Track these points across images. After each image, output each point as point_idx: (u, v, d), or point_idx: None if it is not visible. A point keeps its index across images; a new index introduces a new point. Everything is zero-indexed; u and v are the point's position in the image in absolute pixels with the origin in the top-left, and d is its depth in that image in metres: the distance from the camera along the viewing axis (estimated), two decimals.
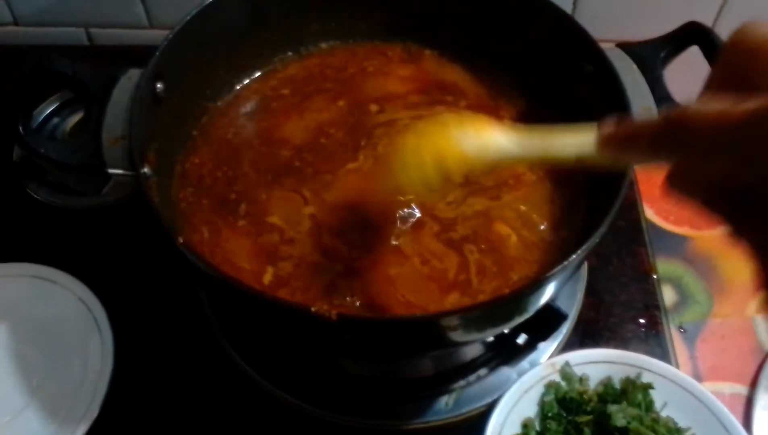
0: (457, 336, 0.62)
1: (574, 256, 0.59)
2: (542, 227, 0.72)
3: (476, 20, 0.84)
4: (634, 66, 0.73)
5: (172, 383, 0.78)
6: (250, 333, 0.78)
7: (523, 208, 0.73)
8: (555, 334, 0.79)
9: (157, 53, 0.72)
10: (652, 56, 0.73)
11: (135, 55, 1.05)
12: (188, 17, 0.75)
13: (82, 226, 0.89)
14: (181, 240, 0.60)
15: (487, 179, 0.75)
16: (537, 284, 0.58)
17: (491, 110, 0.82)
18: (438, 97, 0.83)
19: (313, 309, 0.55)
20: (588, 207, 0.72)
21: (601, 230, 0.60)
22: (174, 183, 0.76)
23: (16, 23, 1.11)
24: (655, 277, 0.88)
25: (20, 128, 0.66)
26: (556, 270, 0.58)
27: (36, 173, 0.92)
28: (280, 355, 0.78)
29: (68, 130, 0.95)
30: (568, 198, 0.74)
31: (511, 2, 0.81)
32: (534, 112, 0.81)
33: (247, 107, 0.84)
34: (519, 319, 0.63)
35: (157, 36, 1.09)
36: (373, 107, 0.82)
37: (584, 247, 0.59)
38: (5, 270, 0.83)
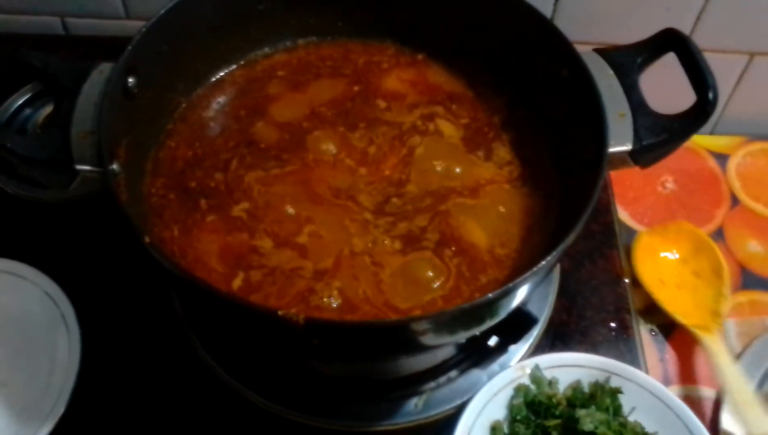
0: (428, 340, 0.61)
1: (544, 262, 0.59)
2: (514, 231, 0.72)
3: (457, 22, 0.83)
4: (611, 71, 0.73)
5: (140, 381, 0.77)
6: (219, 332, 0.77)
7: (495, 211, 0.73)
8: (526, 336, 0.79)
9: (129, 47, 0.71)
10: (628, 62, 0.73)
11: (110, 46, 1.06)
12: (163, 10, 0.74)
13: (50, 220, 0.88)
14: (147, 239, 0.60)
15: (458, 182, 0.75)
16: (508, 289, 0.58)
17: (484, 115, 0.82)
18: (433, 99, 0.83)
19: (280, 313, 0.55)
20: (561, 210, 0.72)
21: (572, 235, 0.60)
22: (145, 178, 0.75)
23: None
24: (626, 280, 0.88)
25: None
26: (527, 274, 0.58)
27: (4, 165, 0.91)
28: (249, 355, 0.77)
29: (40, 122, 0.94)
30: (541, 201, 0.74)
31: (490, 4, 0.80)
32: (515, 115, 0.81)
33: (223, 98, 0.84)
34: (490, 323, 0.63)
35: (133, 27, 1.06)
36: (381, 102, 0.82)
37: (555, 251, 0.59)
38: None
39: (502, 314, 0.63)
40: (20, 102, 0.97)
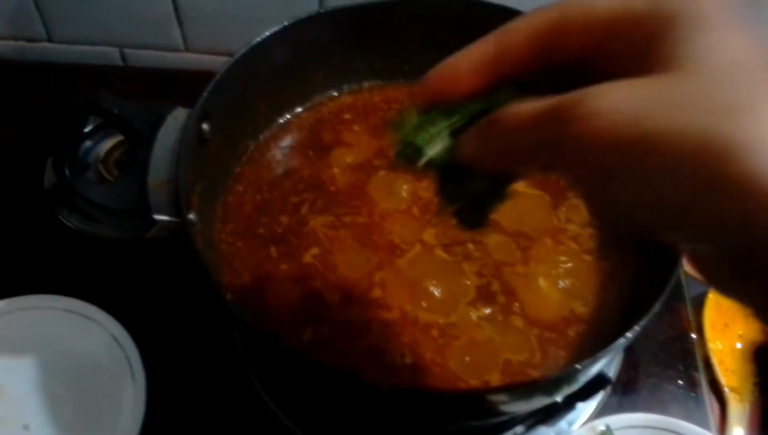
0: (506, 407, 0.60)
1: (630, 334, 0.57)
2: (589, 290, 0.71)
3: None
4: None
5: (203, 426, 0.76)
6: (287, 384, 0.76)
7: (570, 271, 0.72)
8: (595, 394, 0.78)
9: (205, 93, 0.71)
10: None
11: (169, 79, 1.07)
12: (235, 57, 0.74)
13: (114, 257, 0.87)
14: (229, 296, 0.59)
15: (534, 237, 0.74)
16: (593, 361, 0.57)
17: None
18: None
19: (366, 380, 0.54)
20: (633, 280, 0.70)
21: (655, 308, 0.59)
22: (215, 224, 0.74)
23: (50, 39, 1.10)
24: (693, 336, 0.86)
25: (66, 171, 0.64)
26: (614, 345, 0.56)
27: (67, 199, 0.91)
28: (317, 406, 0.76)
29: (102, 157, 0.94)
30: (610, 269, 0.72)
31: None
32: None
33: (290, 140, 0.83)
34: (568, 391, 0.62)
35: (192, 60, 1.08)
36: None
37: (642, 322, 0.58)
38: (38, 301, 0.81)
39: (582, 382, 0.62)
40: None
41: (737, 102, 0.26)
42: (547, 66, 0.32)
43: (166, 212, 0.65)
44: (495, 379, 0.65)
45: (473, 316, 0.68)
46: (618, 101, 0.27)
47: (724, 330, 0.89)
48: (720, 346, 0.88)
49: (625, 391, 0.81)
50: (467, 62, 0.34)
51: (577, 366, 0.56)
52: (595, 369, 0.60)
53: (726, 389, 0.83)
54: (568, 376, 0.57)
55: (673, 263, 0.61)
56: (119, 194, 0.66)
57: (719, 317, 0.90)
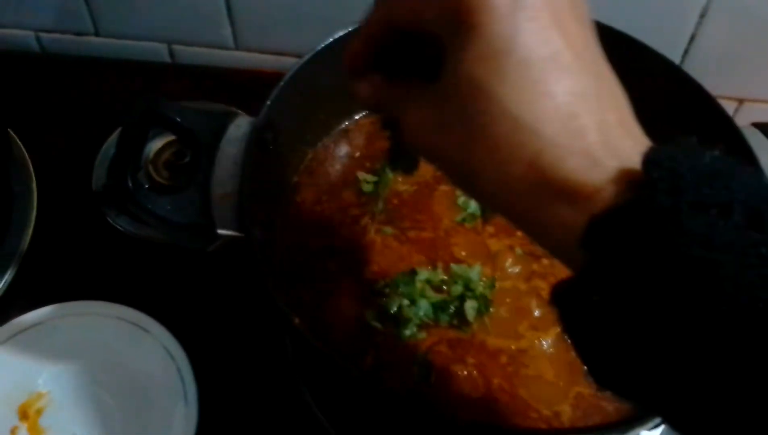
0: None
1: None
2: None
3: None
4: None
5: None
6: (344, 406, 0.74)
7: None
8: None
9: (269, 102, 0.68)
10: None
11: (218, 77, 1.04)
12: (299, 64, 0.71)
13: (165, 264, 0.85)
14: (297, 320, 0.57)
15: None
16: None
17: None
18: None
19: (445, 416, 0.52)
20: None
21: None
22: (275, 237, 0.72)
23: (97, 34, 1.08)
24: None
25: (129, 182, 0.62)
26: None
27: (116, 201, 0.89)
28: (376, 430, 0.74)
29: (151, 157, 0.91)
30: None
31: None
32: None
33: (349, 148, 0.81)
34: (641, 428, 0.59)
35: (242, 58, 1.06)
36: None
37: None
38: (90, 307, 0.79)
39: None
40: None
41: None
42: (400, 37, 0.43)
43: (230, 227, 0.63)
44: (566, 411, 0.63)
45: (544, 343, 0.65)
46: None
47: None
48: None
49: None
50: (356, 50, 0.47)
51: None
52: None
53: None
54: (647, 416, 0.55)
55: None
56: (182, 206, 0.63)
57: None
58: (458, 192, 0.75)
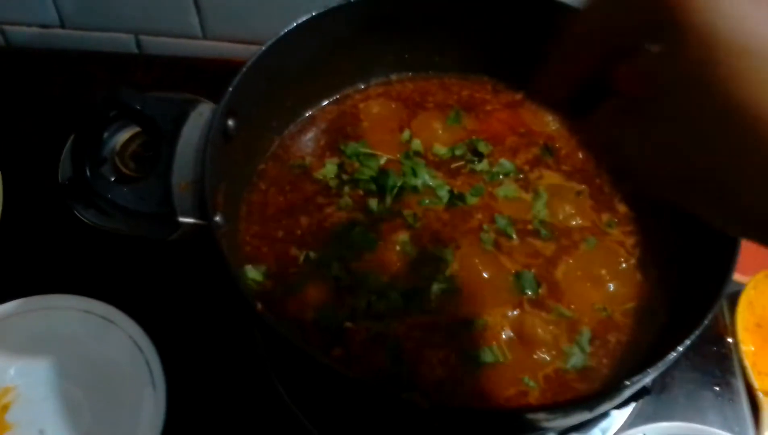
0: (548, 423, 0.58)
1: (681, 348, 0.55)
2: (625, 303, 0.68)
3: None
4: None
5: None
6: (315, 393, 0.73)
7: (610, 282, 0.69)
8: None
9: (231, 88, 0.67)
10: None
11: (187, 68, 1.03)
12: (262, 49, 0.70)
13: (132, 255, 0.84)
14: (259, 306, 0.56)
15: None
16: (643, 376, 0.54)
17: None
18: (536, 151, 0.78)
19: (403, 396, 0.51)
20: (676, 289, 0.68)
21: (706, 321, 0.56)
22: (239, 225, 0.72)
23: (62, 26, 1.06)
24: (730, 340, 0.83)
25: (86, 171, 0.61)
26: (664, 361, 0.54)
27: (82, 194, 0.88)
28: (346, 417, 0.73)
29: (118, 149, 0.91)
30: (653, 277, 0.70)
31: None
32: None
33: (315, 134, 0.80)
34: (610, 406, 0.60)
35: (210, 48, 1.05)
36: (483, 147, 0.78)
37: (693, 335, 0.55)
38: (55, 301, 0.78)
39: (627, 396, 0.59)
40: None
41: None
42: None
43: (191, 215, 0.62)
44: (534, 388, 0.63)
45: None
46: None
47: (756, 331, 0.86)
48: (753, 348, 0.85)
49: (660, 398, 0.78)
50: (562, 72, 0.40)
51: (626, 382, 0.54)
52: (642, 383, 0.57)
53: (759, 393, 0.80)
54: (616, 392, 0.55)
55: (722, 278, 0.58)
56: (142, 196, 0.63)
57: (751, 318, 0.87)
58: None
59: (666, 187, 0.37)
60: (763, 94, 0.31)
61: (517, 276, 0.68)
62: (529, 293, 0.67)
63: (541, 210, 0.72)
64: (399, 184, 0.73)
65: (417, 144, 0.78)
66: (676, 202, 0.37)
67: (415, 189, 0.74)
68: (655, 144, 0.36)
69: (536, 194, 0.74)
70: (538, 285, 0.68)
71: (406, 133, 0.79)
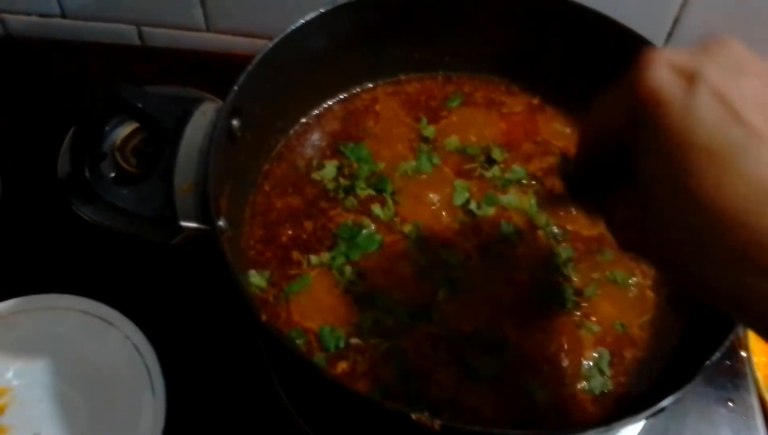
0: None
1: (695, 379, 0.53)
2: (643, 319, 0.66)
3: (578, 61, 0.76)
4: None
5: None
6: (319, 404, 0.71)
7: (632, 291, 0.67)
8: None
9: (236, 87, 0.65)
10: None
11: (190, 61, 1.01)
12: (268, 47, 0.68)
13: (132, 255, 0.82)
14: (264, 317, 0.54)
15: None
16: (655, 410, 0.52)
17: None
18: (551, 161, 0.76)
19: (414, 417, 0.49)
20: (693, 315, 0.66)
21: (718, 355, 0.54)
22: (243, 228, 0.69)
23: (63, 15, 1.04)
24: (744, 354, 0.81)
25: (86, 171, 0.59)
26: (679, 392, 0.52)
27: (81, 189, 0.86)
28: (347, 427, 0.71)
29: (118, 144, 0.88)
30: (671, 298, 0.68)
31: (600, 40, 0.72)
32: None
33: (321, 134, 0.78)
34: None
35: (213, 40, 1.03)
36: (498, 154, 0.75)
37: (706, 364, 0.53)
38: (53, 301, 0.76)
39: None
40: None
41: None
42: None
43: (194, 219, 0.60)
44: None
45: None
46: None
47: None
48: (765, 360, 0.83)
49: (672, 413, 0.76)
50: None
51: (642, 416, 0.52)
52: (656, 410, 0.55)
53: None
54: (628, 421, 0.53)
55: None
56: (143, 198, 0.61)
57: None
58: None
59: (637, 253, 0.45)
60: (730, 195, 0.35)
61: (531, 284, 0.66)
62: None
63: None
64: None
65: (431, 131, 0.76)
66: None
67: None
68: (630, 220, 0.43)
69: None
70: (555, 295, 0.66)
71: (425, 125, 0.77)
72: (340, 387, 0.51)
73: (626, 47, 0.66)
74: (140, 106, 0.64)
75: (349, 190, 0.72)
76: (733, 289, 0.37)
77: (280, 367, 0.72)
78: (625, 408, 0.60)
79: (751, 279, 0.35)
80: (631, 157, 0.40)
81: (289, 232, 0.70)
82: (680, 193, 0.36)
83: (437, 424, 0.49)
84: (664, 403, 0.52)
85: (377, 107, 0.80)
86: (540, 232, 0.70)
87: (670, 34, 0.91)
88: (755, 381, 0.80)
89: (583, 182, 0.48)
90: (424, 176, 0.74)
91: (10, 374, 0.74)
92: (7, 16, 1.05)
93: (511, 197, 0.72)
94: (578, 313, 0.66)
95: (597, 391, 0.62)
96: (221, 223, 0.61)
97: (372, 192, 0.72)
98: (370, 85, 0.81)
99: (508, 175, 0.73)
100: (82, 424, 0.71)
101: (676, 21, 0.90)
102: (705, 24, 0.89)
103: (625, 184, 0.42)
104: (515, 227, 0.69)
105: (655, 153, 0.37)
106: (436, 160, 0.74)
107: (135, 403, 0.70)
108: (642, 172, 0.39)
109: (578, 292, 0.67)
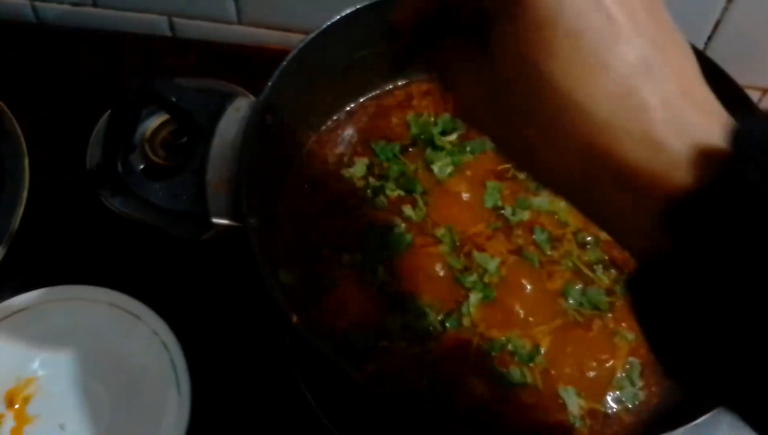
0: None
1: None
2: None
3: None
4: None
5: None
6: (343, 406, 0.71)
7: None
8: None
9: (270, 83, 0.64)
10: None
11: (221, 53, 1.00)
12: (302, 44, 0.67)
13: (161, 248, 0.81)
14: (295, 319, 0.53)
15: None
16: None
17: None
18: None
19: (447, 424, 0.49)
20: None
21: None
22: (273, 227, 0.69)
23: (94, 4, 1.03)
24: None
25: (119, 166, 0.58)
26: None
27: (108, 178, 0.85)
28: (372, 428, 0.71)
29: (148, 136, 0.87)
30: None
31: None
32: None
33: (353, 130, 0.77)
34: None
35: (245, 33, 1.02)
36: None
37: None
38: (81, 292, 0.76)
39: None
40: None
41: None
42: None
43: (226, 216, 0.59)
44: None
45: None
46: None
47: None
48: None
49: (702, 423, 0.75)
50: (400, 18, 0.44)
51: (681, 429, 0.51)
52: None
53: None
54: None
55: None
56: (175, 193, 0.60)
57: None
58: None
59: (480, 129, 0.40)
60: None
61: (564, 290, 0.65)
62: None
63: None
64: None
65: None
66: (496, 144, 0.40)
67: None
68: (475, 92, 0.38)
69: None
70: (588, 299, 0.65)
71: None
72: (371, 390, 0.50)
73: None
74: (174, 100, 0.63)
75: (378, 191, 0.71)
76: (581, 193, 0.35)
77: (308, 368, 0.71)
78: (660, 419, 0.59)
79: (606, 186, 0.33)
80: (488, 24, 0.36)
81: (319, 230, 0.69)
82: (539, 76, 0.33)
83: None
84: (705, 416, 0.51)
85: (413, 102, 0.79)
86: (571, 236, 0.69)
87: (710, 38, 0.89)
88: None
89: (418, 28, 0.44)
90: (455, 177, 0.72)
91: (36, 364, 0.74)
92: (38, 4, 1.05)
93: (543, 199, 0.71)
94: (610, 315, 0.64)
95: (629, 402, 0.60)
96: (253, 220, 0.60)
97: (402, 193, 0.71)
98: (404, 82, 0.80)
99: None
100: (105, 418, 0.71)
101: (717, 24, 0.88)
102: (747, 29, 0.87)
103: (462, 39, 0.40)
104: (549, 234, 0.68)
105: (516, 29, 0.34)
106: (468, 159, 0.73)
107: (160, 400, 0.70)
108: (498, 46, 0.35)
109: (609, 292, 0.65)
